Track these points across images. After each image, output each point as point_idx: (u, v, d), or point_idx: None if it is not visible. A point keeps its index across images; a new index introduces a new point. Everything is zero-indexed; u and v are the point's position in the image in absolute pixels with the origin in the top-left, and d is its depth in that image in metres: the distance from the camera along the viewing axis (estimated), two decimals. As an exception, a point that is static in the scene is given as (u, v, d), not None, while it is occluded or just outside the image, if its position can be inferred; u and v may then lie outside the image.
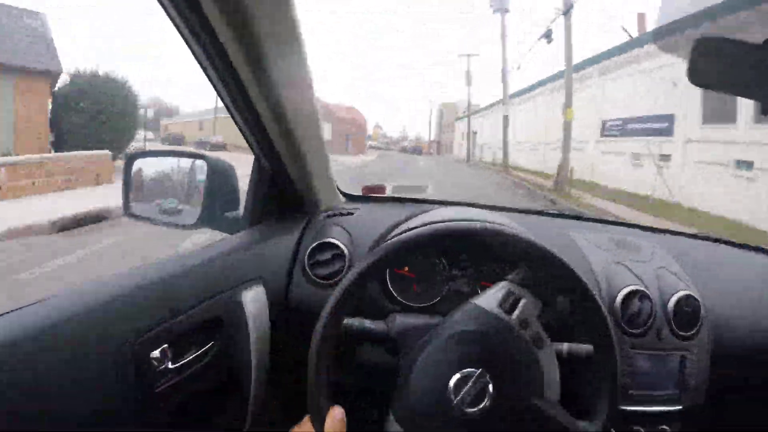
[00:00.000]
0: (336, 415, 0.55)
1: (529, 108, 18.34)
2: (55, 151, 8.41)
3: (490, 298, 0.58)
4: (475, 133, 28.07)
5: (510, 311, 0.57)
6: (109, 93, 8.43)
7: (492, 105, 24.56)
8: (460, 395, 0.52)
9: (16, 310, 0.51)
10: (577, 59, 12.20)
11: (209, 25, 0.55)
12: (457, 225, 0.60)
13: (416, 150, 41.04)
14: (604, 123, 12.44)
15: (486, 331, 0.56)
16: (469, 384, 0.52)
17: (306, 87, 0.73)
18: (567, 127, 11.11)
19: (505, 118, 18.27)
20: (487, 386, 0.53)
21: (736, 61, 0.69)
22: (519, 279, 0.59)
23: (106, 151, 7.90)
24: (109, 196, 6.26)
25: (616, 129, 11.86)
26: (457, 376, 0.53)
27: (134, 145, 10.82)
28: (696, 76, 0.67)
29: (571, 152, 11.18)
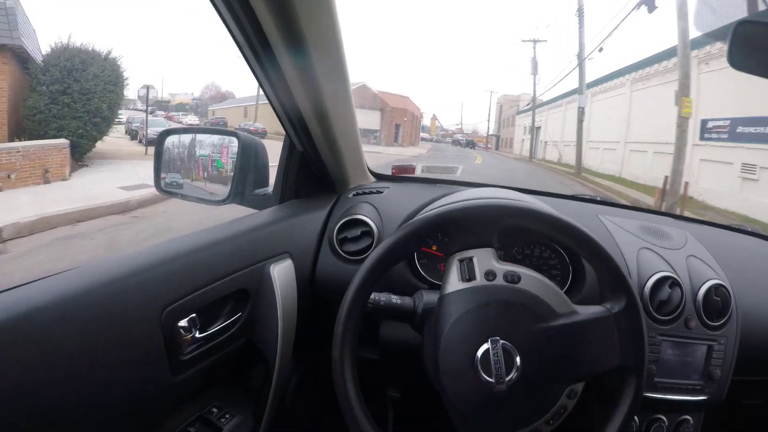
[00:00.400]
0: None
1: (609, 100, 14.97)
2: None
3: (452, 280, 0.58)
4: (538, 128, 24.44)
5: (470, 278, 0.57)
6: (75, 69, 6.53)
7: (561, 97, 20.31)
8: (493, 369, 0.53)
9: (49, 276, 0.53)
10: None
11: (249, 8, 0.56)
12: (486, 203, 0.60)
13: (469, 143, 38.88)
14: (704, 123, 9.70)
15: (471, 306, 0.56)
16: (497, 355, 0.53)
17: (340, 71, 0.74)
18: (682, 124, 7.97)
19: (581, 111, 14.50)
20: (515, 358, 0.54)
21: None
22: (456, 247, 0.59)
23: (63, 141, 6.10)
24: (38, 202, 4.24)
25: (722, 131, 9.20)
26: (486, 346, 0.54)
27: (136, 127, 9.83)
28: (735, 60, 0.65)
29: (655, 156, 9.11)
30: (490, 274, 0.57)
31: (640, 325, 0.57)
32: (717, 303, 0.80)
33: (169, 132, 1.02)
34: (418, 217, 0.60)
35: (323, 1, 0.60)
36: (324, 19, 0.63)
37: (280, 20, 0.59)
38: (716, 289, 0.81)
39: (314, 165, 0.88)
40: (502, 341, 0.54)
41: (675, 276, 0.80)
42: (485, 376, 0.53)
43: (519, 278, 0.57)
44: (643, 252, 0.85)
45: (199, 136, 1.03)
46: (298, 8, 0.57)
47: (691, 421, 0.83)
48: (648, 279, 0.80)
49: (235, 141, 0.94)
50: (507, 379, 0.53)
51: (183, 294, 0.62)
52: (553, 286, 0.58)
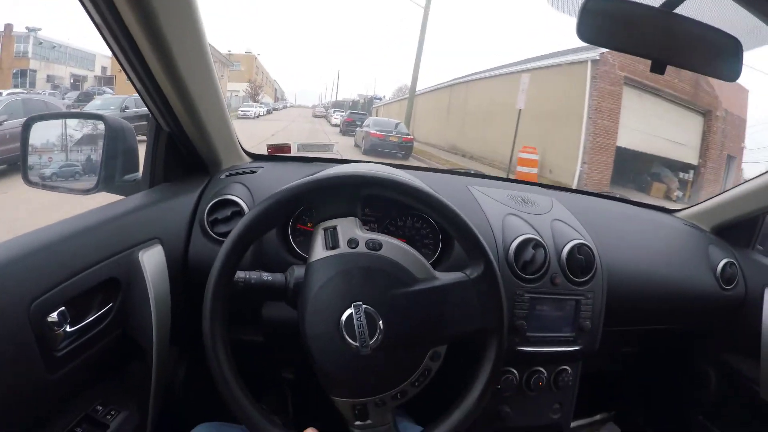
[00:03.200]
0: None
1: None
2: None
3: (317, 248, 0.59)
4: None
5: (334, 246, 0.58)
6: None
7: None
8: (357, 333, 0.54)
9: None
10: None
11: None
12: (345, 173, 0.61)
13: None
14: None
15: (334, 272, 0.57)
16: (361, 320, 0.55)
17: (199, 43, 0.71)
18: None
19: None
20: (378, 321, 0.55)
21: (627, 20, 0.71)
22: (320, 217, 0.60)
23: None
24: None
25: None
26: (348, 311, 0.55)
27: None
28: (583, 32, 0.69)
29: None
30: (352, 242, 0.58)
31: (498, 289, 0.60)
32: (581, 261, 0.86)
33: (33, 119, 0.94)
34: (277, 190, 0.60)
35: None
36: None
37: None
38: (579, 248, 0.86)
39: (183, 146, 0.85)
40: (365, 306, 0.55)
41: (538, 237, 0.85)
42: (350, 340, 0.54)
43: (380, 246, 0.58)
44: (509, 218, 0.89)
45: (68, 122, 0.96)
46: None
47: (569, 371, 0.89)
48: (512, 242, 0.84)
49: (102, 125, 0.88)
50: (371, 342, 0.54)
51: (50, 286, 0.59)
52: (414, 252, 0.60)
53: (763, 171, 1.08)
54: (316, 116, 27.82)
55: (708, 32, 0.74)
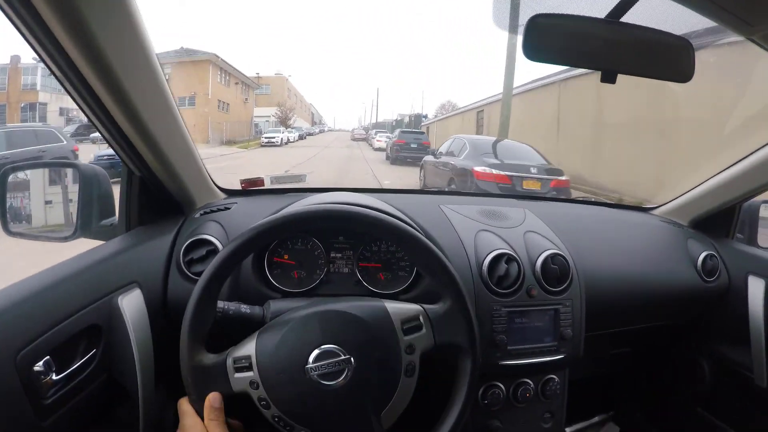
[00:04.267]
0: (213, 401, 0.58)
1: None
2: None
3: (401, 309, 0.62)
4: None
5: (407, 333, 0.61)
6: None
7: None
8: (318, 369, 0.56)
9: None
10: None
11: (41, 21, 0.53)
12: (314, 209, 0.63)
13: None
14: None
15: (369, 322, 0.60)
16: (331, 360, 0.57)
17: (158, 88, 0.72)
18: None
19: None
20: (349, 365, 0.57)
21: (572, 34, 0.73)
22: (433, 313, 0.63)
23: None
24: None
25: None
26: (317, 352, 0.57)
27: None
28: (529, 50, 0.70)
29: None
30: (410, 348, 0.61)
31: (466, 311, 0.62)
32: (555, 270, 0.87)
33: (8, 171, 0.96)
34: (249, 227, 0.62)
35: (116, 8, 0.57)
36: (115, 21, 0.58)
37: (71, 33, 0.55)
38: (553, 257, 0.87)
39: (155, 189, 0.86)
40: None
41: (510, 252, 0.86)
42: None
43: (412, 374, 0.62)
44: (481, 234, 0.90)
45: (42, 171, 0.97)
46: (90, 23, 0.54)
47: (556, 379, 0.89)
48: (485, 258, 0.85)
49: (75, 172, 0.89)
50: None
51: (34, 336, 0.61)
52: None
53: (735, 160, 1.09)
54: (355, 139, 26.41)
55: (657, 36, 0.76)
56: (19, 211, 0.97)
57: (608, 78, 0.72)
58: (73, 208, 0.90)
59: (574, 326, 0.87)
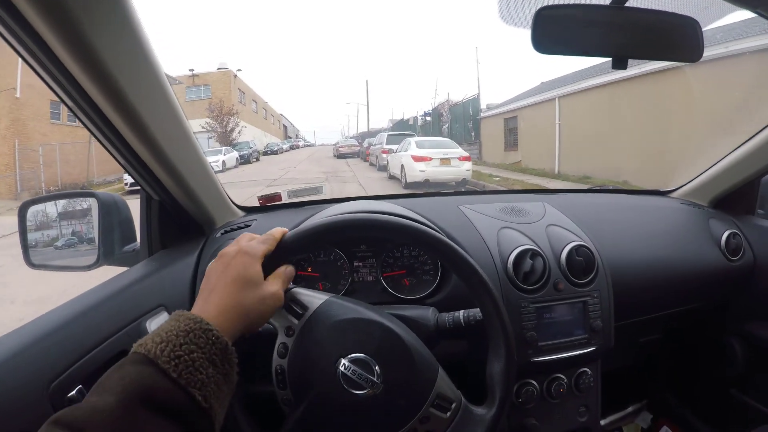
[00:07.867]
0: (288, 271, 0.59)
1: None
2: None
3: (447, 383, 0.58)
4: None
5: (434, 406, 0.57)
6: None
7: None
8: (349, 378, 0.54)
9: None
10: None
11: (55, 58, 0.54)
12: (315, 223, 0.61)
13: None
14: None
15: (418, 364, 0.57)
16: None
17: (173, 112, 0.72)
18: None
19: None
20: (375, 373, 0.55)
21: (579, 23, 0.73)
22: (467, 412, 0.58)
23: None
24: None
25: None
26: (356, 356, 0.55)
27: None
28: (539, 43, 0.70)
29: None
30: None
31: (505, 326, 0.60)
32: (580, 262, 0.86)
33: (27, 204, 0.97)
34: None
35: (127, 39, 0.57)
36: (126, 49, 0.58)
37: (83, 65, 0.55)
38: (577, 249, 0.86)
39: (175, 212, 0.86)
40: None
41: (534, 247, 0.85)
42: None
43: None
44: (503, 231, 0.89)
45: (60, 202, 0.99)
46: (101, 51, 0.54)
47: (589, 372, 0.88)
48: (509, 255, 0.84)
49: (94, 201, 0.90)
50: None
51: (66, 366, 0.63)
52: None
53: (751, 135, 1.08)
54: (340, 156, 18.59)
55: (663, 17, 0.75)
56: (40, 242, 0.98)
57: (619, 64, 0.71)
58: (95, 236, 0.91)
59: (603, 317, 0.86)
